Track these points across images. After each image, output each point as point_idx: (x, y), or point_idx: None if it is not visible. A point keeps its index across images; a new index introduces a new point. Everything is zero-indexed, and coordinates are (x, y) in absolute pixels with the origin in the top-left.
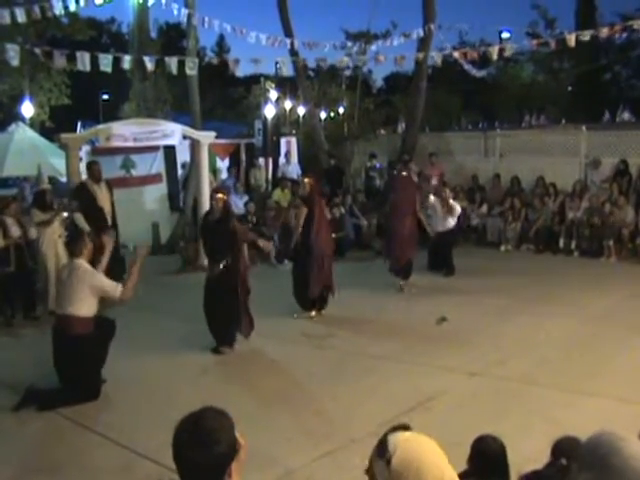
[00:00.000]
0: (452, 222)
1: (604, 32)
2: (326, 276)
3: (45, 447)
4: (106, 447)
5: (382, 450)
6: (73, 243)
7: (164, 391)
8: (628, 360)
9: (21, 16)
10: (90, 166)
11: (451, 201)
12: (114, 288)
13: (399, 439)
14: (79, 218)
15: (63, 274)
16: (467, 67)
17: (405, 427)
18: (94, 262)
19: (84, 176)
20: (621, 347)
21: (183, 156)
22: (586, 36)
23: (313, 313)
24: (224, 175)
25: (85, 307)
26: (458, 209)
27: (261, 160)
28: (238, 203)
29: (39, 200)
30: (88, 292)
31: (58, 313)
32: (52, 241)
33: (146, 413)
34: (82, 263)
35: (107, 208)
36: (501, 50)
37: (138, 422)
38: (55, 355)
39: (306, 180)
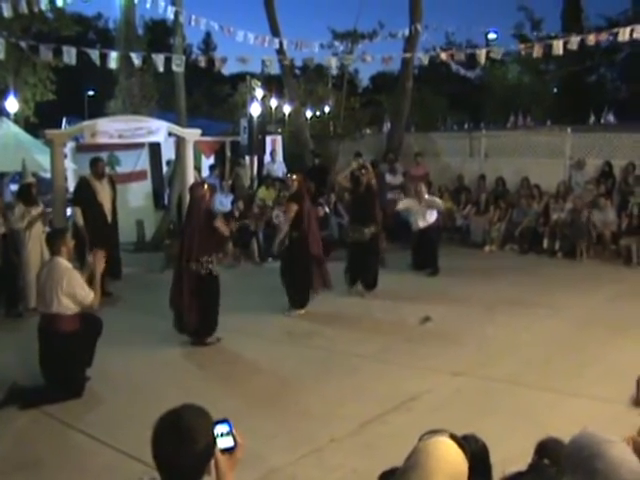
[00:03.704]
0: (433, 216)
1: (591, 39)
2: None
3: (28, 445)
4: (90, 445)
5: (424, 434)
6: (52, 240)
7: (148, 390)
8: (612, 361)
9: (7, 10)
10: (94, 162)
11: (426, 195)
12: (86, 295)
13: (441, 438)
14: (77, 213)
15: (42, 272)
16: (455, 67)
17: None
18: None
19: (68, 172)
20: (605, 348)
21: (168, 153)
22: (573, 44)
23: (303, 311)
24: (205, 174)
25: (69, 305)
26: (437, 200)
27: (246, 158)
28: (224, 201)
29: (24, 193)
30: (65, 291)
31: (43, 312)
32: (37, 237)
33: (129, 411)
34: (62, 261)
35: (107, 205)
36: (488, 52)
37: (122, 420)
38: (41, 354)
39: (294, 177)
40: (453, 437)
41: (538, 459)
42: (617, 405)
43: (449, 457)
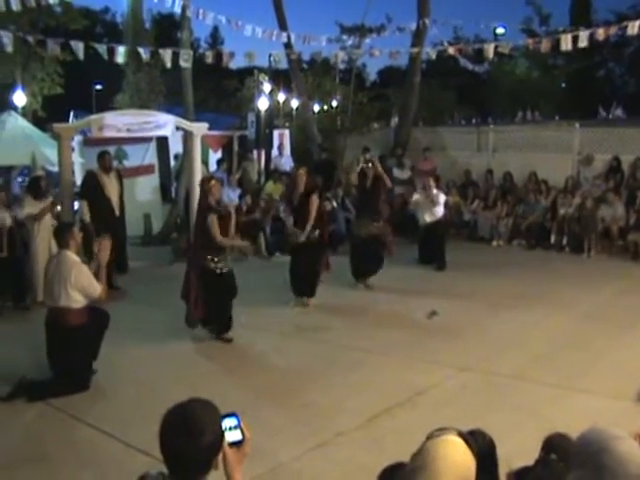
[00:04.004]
0: (440, 211)
1: (600, 34)
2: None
3: (36, 438)
4: (97, 438)
5: (433, 432)
6: (60, 234)
7: (155, 383)
8: (619, 357)
9: (16, 5)
10: (101, 156)
11: (434, 190)
12: (94, 288)
13: (449, 436)
14: (83, 207)
15: (51, 266)
16: (463, 62)
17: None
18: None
19: (75, 166)
20: (612, 344)
21: (176, 147)
22: (583, 40)
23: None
24: (213, 168)
25: (77, 298)
26: (442, 196)
27: (254, 152)
28: (231, 196)
29: (33, 186)
30: (73, 284)
31: (50, 306)
32: (46, 230)
33: (137, 405)
34: (70, 255)
35: (115, 199)
36: (496, 47)
37: (129, 414)
38: (48, 347)
39: (301, 171)
40: (461, 435)
41: (545, 454)
42: (624, 401)
43: (457, 457)
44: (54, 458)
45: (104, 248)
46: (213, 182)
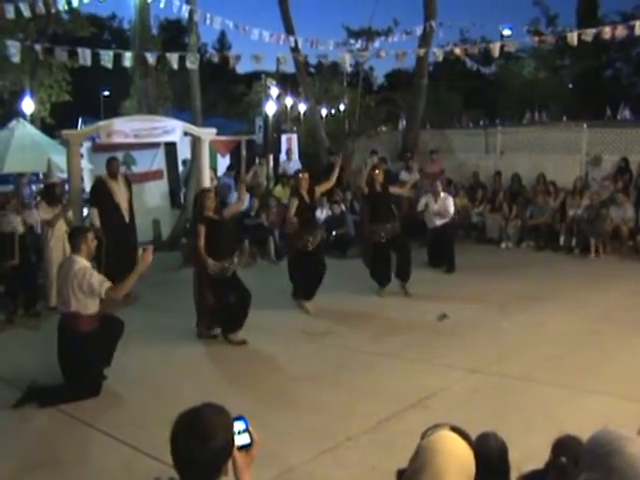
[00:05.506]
0: (449, 213)
1: (606, 32)
2: None
3: (47, 443)
4: (107, 444)
5: (426, 431)
6: (73, 238)
7: (165, 388)
8: (630, 358)
9: (25, 11)
10: (109, 162)
11: (442, 194)
12: (99, 285)
13: (443, 432)
14: (93, 214)
15: (61, 271)
16: (470, 64)
17: (459, 431)
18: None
19: (85, 172)
20: (623, 345)
21: (184, 153)
22: (588, 35)
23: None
24: (221, 173)
25: (87, 304)
26: (451, 200)
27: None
28: None
29: (48, 193)
30: (80, 288)
31: (62, 311)
32: (60, 236)
33: (148, 410)
34: (79, 260)
35: (124, 205)
36: (502, 47)
37: (139, 419)
38: (59, 352)
39: (305, 175)
40: (454, 429)
41: (555, 457)
42: (635, 402)
43: (456, 450)
44: (64, 463)
45: (146, 257)
46: (209, 194)
